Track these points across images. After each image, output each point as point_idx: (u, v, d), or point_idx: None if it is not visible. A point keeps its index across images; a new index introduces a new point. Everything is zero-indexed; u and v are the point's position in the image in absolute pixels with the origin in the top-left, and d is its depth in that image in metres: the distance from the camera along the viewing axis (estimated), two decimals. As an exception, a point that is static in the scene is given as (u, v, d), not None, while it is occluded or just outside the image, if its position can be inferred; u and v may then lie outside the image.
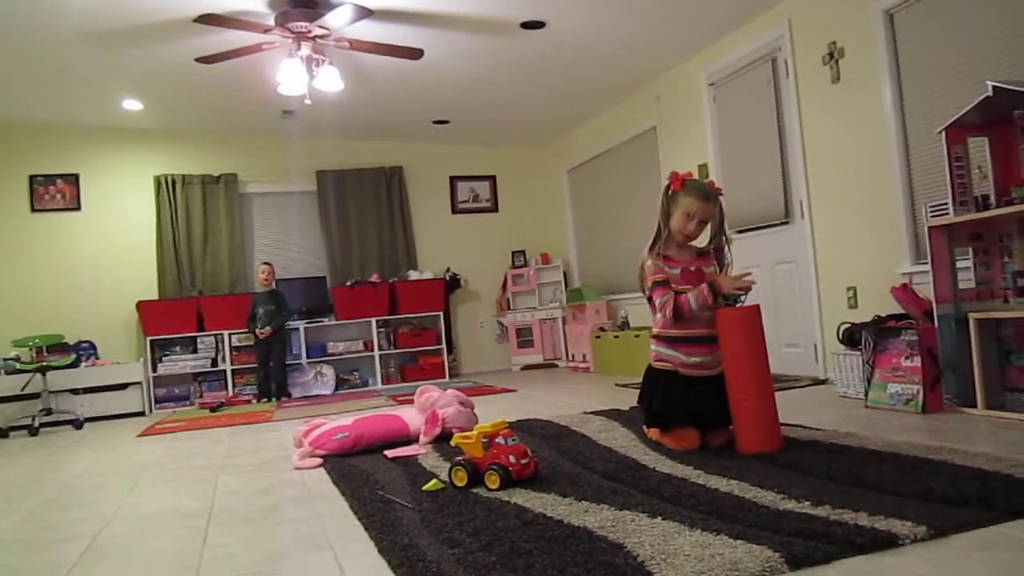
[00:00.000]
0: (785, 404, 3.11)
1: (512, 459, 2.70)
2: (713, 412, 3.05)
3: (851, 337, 4.31)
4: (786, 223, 5.48)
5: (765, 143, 5.58)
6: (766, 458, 2.76)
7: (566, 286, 8.82)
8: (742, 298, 3.07)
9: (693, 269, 3.21)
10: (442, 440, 3.68)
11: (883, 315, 4.23)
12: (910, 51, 4.45)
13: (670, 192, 3.23)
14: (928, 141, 4.25)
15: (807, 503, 2.13)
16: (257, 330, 7.37)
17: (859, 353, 4.13)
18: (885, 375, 3.87)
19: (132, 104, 6.99)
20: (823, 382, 5.03)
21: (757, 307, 3.05)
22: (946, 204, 3.70)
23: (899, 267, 4.51)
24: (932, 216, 3.82)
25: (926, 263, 3.86)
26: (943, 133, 3.65)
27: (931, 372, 3.66)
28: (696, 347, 3.13)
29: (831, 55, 4.93)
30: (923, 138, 4.35)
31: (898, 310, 4.21)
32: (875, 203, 4.71)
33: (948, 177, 3.64)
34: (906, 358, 3.76)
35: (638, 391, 3.39)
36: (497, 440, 2.76)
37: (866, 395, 3.97)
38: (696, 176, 3.37)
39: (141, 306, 7.55)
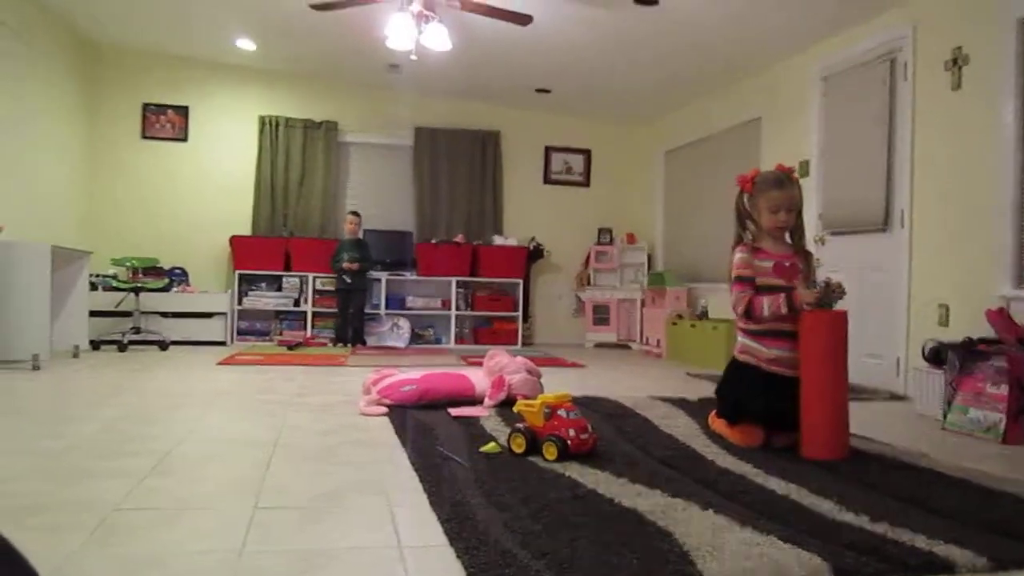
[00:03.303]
0: (858, 415, 3.03)
1: (571, 432, 2.71)
2: (783, 414, 2.99)
3: (936, 355, 4.16)
4: (884, 230, 5.30)
5: (872, 145, 5.38)
6: (829, 466, 2.71)
7: (648, 268, 8.73)
8: (836, 301, 2.99)
9: (788, 264, 3.14)
10: (506, 405, 3.72)
11: (974, 337, 4.06)
12: (1041, 65, 4.22)
13: (745, 196, 3.22)
14: (1047, 161, 4.04)
15: (865, 517, 2.08)
16: (345, 263, 7.54)
17: (943, 372, 3.99)
18: (967, 399, 3.72)
19: (246, 44, 7.18)
20: (901, 398, 4.87)
21: (844, 313, 2.98)
22: (1058, 229, 3.52)
23: (998, 290, 4.31)
24: (1041, 240, 3.64)
25: (1027, 288, 3.69)
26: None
27: (1017, 402, 3.51)
28: (776, 340, 3.07)
29: (954, 61, 4.71)
30: (1042, 158, 4.13)
31: (990, 334, 4.04)
32: (981, 220, 4.51)
33: (1064, 201, 3.46)
34: (992, 384, 3.61)
35: (710, 382, 3.35)
36: (559, 412, 2.78)
37: (944, 416, 3.83)
38: (795, 171, 3.29)
39: (234, 240, 7.80)
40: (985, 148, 4.50)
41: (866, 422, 3.72)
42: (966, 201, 4.63)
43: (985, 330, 4.10)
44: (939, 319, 4.75)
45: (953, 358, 3.88)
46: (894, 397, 4.91)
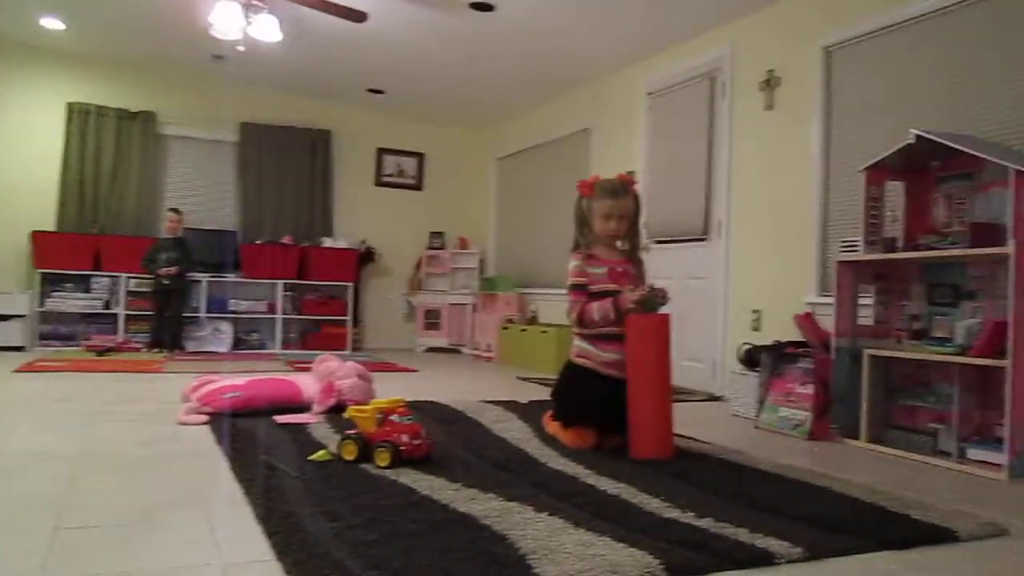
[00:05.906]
0: (679, 415, 3.15)
1: (405, 438, 2.65)
2: (615, 416, 3.05)
3: (750, 358, 4.41)
4: (703, 240, 5.58)
5: (694, 159, 5.66)
6: (656, 465, 2.79)
7: (480, 273, 8.79)
8: (659, 306, 3.09)
9: (620, 270, 3.23)
10: (336, 412, 3.61)
11: (783, 340, 4.34)
12: (843, 90, 4.57)
13: (583, 200, 3.29)
14: (849, 180, 4.36)
15: (691, 513, 2.15)
16: (161, 269, 7.12)
17: (756, 374, 4.23)
18: (778, 399, 3.97)
19: (52, 22, 6.60)
20: (718, 399, 5.13)
21: (667, 317, 3.08)
22: (857, 242, 3.82)
23: (805, 296, 4.64)
24: (842, 251, 3.94)
25: (830, 296, 3.97)
26: (864, 173, 3.76)
27: (822, 401, 3.77)
28: (610, 344, 3.14)
29: (768, 82, 5.03)
30: (845, 176, 4.47)
31: (799, 337, 4.33)
32: (791, 232, 4.83)
33: (863, 216, 3.75)
34: (800, 384, 3.87)
35: (540, 385, 3.38)
36: (392, 417, 2.71)
37: (758, 416, 4.07)
38: (636, 180, 3.41)
39: (35, 236, 7.16)
40: (794, 164, 4.83)
41: (687, 422, 3.87)
42: (778, 213, 4.94)
43: (794, 334, 4.39)
44: (752, 324, 5.04)
45: (765, 360, 4.13)
46: (712, 398, 5.16)
